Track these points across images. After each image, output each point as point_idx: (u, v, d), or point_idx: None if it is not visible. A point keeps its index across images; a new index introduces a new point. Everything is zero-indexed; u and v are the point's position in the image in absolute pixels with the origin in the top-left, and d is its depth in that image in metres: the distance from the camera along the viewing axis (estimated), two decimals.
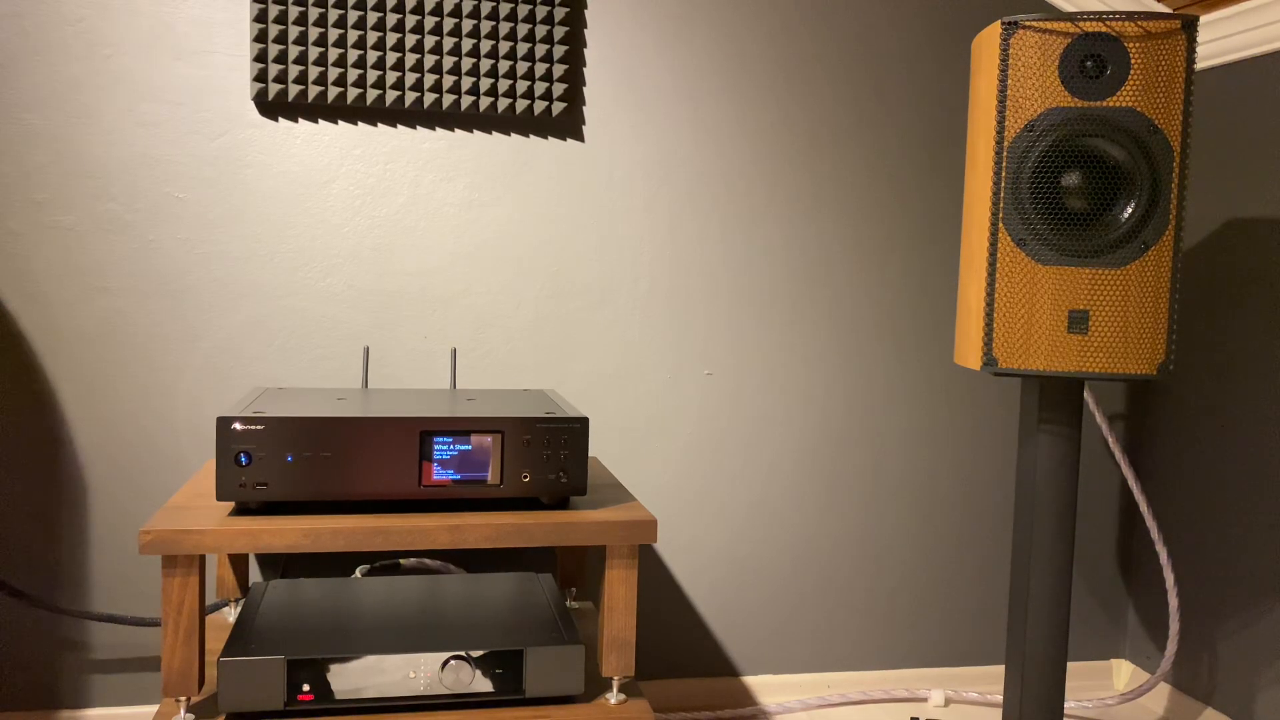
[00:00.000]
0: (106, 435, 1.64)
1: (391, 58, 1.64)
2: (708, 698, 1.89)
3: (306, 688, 1.23)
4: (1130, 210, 1.32)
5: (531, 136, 1.74)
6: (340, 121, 1.68)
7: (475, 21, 1.66)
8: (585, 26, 1.75)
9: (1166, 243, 1.32)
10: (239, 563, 1.62)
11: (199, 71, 1.62)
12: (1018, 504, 1.48)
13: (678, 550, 1.87)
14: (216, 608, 1.58)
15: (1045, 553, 1.45)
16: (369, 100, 1.65)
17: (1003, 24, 1.32)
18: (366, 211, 1.70)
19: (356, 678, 1.25)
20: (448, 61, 1.66)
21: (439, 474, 1.30)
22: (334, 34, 1.62)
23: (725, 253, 1.83)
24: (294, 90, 1.62)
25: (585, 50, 1.75)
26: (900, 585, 1.96)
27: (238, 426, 1.24)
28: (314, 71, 1.62)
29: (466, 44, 1.66)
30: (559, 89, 1.71)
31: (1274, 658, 1.71)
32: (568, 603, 1.67)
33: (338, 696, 1.24)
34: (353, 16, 1.62)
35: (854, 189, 1.87)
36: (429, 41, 1.65)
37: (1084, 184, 1.33)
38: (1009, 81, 1.33)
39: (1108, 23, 1.29)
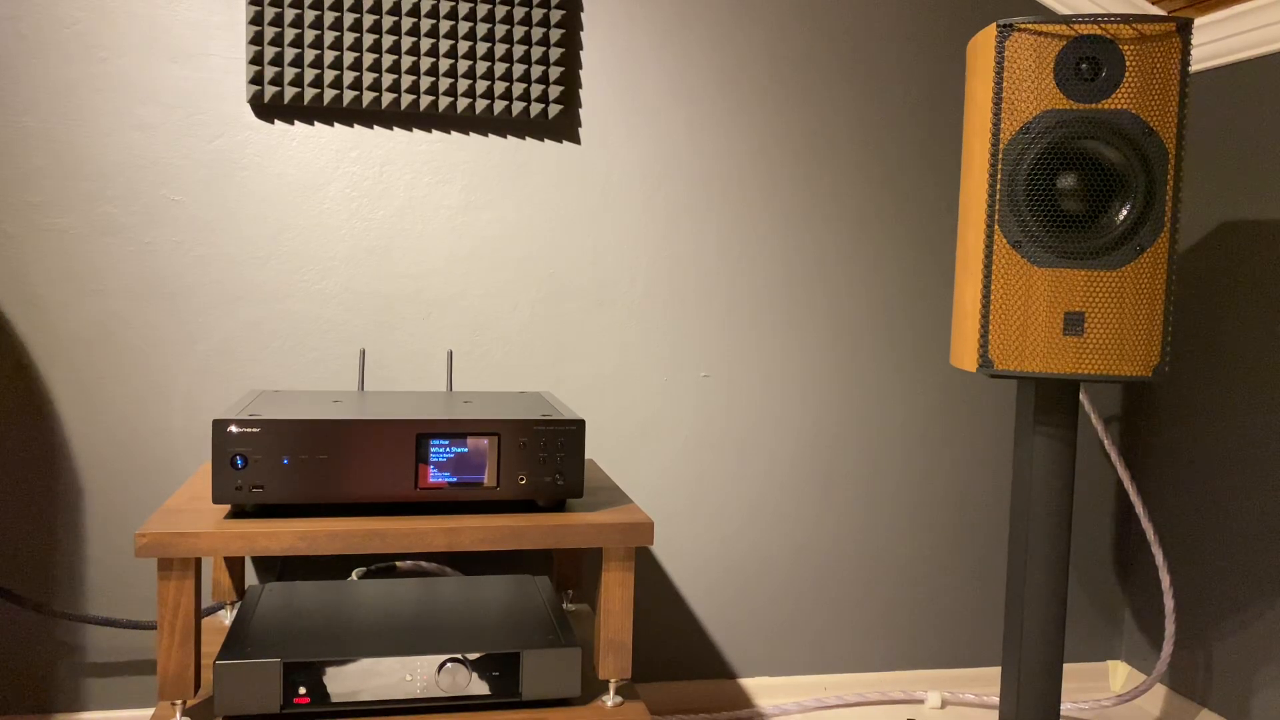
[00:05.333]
0: (102, 438, 1.64)
1: (387, 60, 1.64)
2: (704, 700, 1.89)
3: (303, 690, 1.23)
4: (1126, 212, 1.32)
5: (528, 139, 1.75)
6: (336, 124, 1.68)
7: (471, 24, 1.66)
8: (581, 29, 1.75)
9: (1162, 245, 1.32)
10: (235, 565, 1.61)
11: (195, 74, 1.62)
12: (1014, 505, 1.48)
13: (674, 552, 1.87)
14: (212, 610, 1.58)
15: (1041, 554, 1.45)
16: (365, 103, 1.65)
17: (998, 27, 1.32)
18: (363, 214, 1.70)
19: (353, 680, 1.24)
20: (444, 64, 1.66)
21: (435, 476, 1.30)
22: (330, 36, 1.62)
23: (721, 255, 1.83)
24: (290, 92, 1.62)
25: (581, 52, 1.75)
26: (897, 587, 1.96)
27: (234, 429, 1.24)
28: (310, 74, 1.62)
29: (463, 46, 1.66)
30: (555, 91, 1.71)
31: (1270, 659, 1.71)
32: (564, 605, 1.67)
33: (334, 699, 1.24)
34: (348, 19, 1.62)
35: (850, 191, 1.87)
36: (425, 44, 1.65)
37: (1079, 186, 1.33)
38: (1004, 84, 1.33)
39: (1103, 25, 1.30)
